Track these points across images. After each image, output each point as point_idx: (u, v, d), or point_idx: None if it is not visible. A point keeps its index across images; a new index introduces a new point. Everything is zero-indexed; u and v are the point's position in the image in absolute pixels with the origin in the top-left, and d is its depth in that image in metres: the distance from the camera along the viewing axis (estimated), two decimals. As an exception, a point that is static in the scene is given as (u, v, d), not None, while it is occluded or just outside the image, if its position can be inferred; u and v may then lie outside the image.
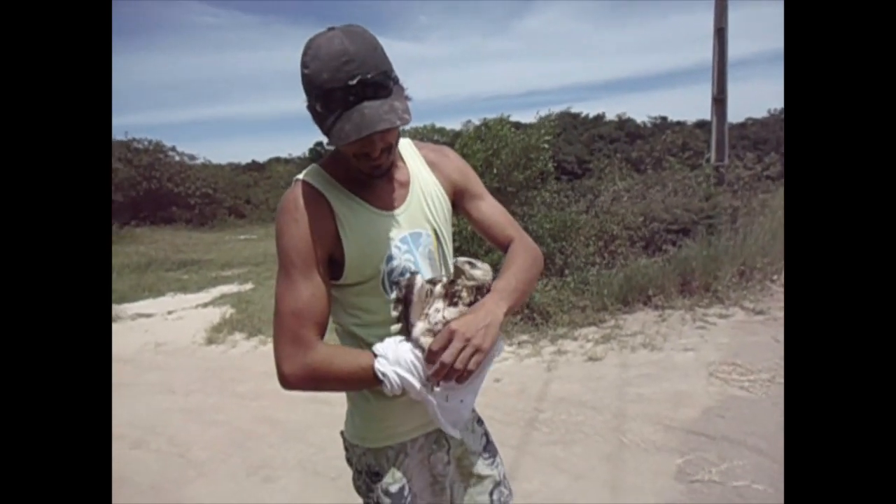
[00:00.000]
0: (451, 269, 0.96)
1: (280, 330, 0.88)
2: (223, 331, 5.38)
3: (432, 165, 1.05)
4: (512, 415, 2.96)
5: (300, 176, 0.95)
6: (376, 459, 1.01)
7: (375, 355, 0.87)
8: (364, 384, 0.90)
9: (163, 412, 3.59)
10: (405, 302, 0.90)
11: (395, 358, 0.86)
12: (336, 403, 3.21)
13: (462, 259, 0.92)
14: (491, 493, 1.10)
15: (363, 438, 1.01)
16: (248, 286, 7.83)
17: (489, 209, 1.09)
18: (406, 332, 0.91)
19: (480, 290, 0.91)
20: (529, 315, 4.64)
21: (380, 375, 0.86)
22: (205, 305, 6.76)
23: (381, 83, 0.82)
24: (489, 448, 1.14)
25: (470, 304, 0.89)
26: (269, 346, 4.83)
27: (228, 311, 6.15)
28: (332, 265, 0.92)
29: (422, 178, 1.03)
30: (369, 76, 0.80)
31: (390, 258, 0.94)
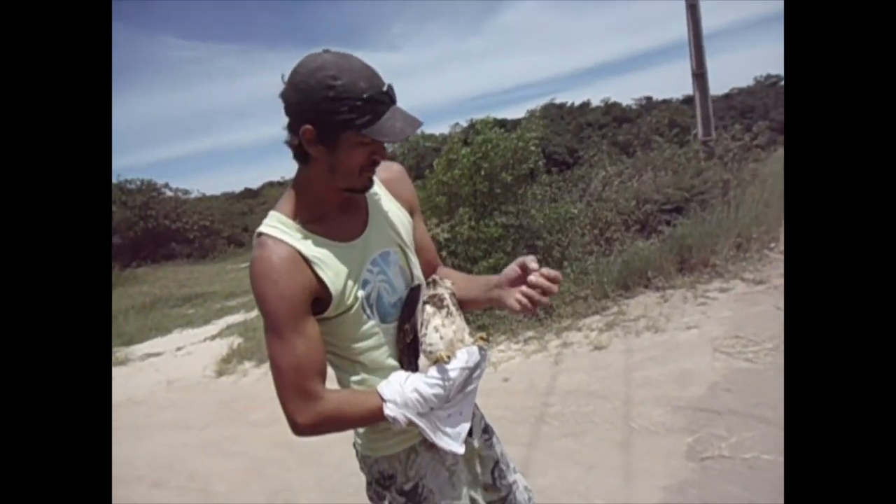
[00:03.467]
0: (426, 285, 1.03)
1: (284, 387, 0.91)
2: (232, 361, 5.41)
3: (386, 183, 1.08)
4: (522, 412, 2.99)
5: (262, 229, 0.95)
6: (389, 464, 1.04)
7: (384, 399, 0.92)
8: (375, 422, 0.96)
9: (180, 448, 3.62)
10: (411, 305, 0.99)
11: (404, 401, 0.91)
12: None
13: (431, 278, 1.01)
14: (492, 471, 1.17)
15: (374, 449, 1.05)
16: (254, 314, 7.86)
17: (424, 233, 1.16)
18: (412, 341, 0.98)
19: (455, 296, 0.99)
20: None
21: (390, 421, 0.91)
22: (212, 338, 6.80)
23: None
24: (487, 430, 1.20)
25: (456, 307, 0.98)
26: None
27: (236, 341, 6.19)
28: (317, 304, 0.94)
29: (378, 198, 1.06)
30: (390, 83, 0.89)
31: (366, 283, 0.97)
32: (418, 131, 0.95)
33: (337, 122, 0.86)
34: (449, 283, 0.99)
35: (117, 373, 5.96)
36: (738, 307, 3.92)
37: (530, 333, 4.33)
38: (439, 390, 0.91)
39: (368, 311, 0.98)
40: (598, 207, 6.39)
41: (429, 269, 1.14)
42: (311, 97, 0.85)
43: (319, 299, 0.94)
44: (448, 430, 0.95)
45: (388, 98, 0.88)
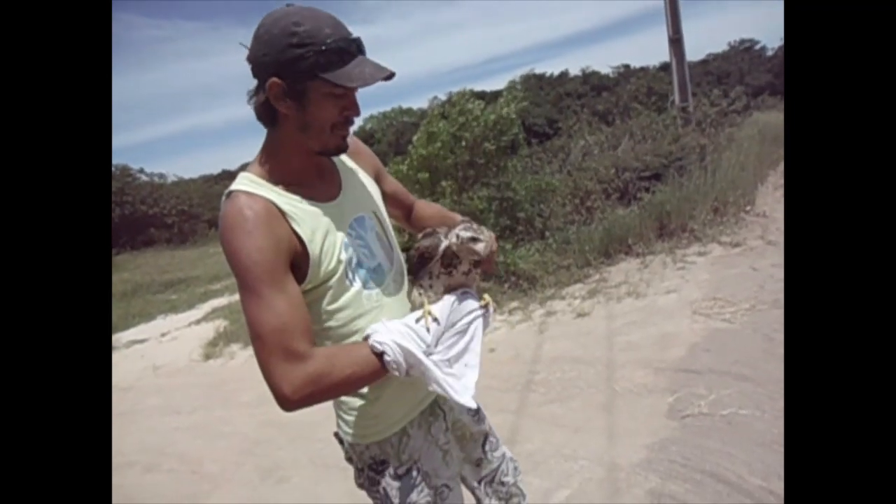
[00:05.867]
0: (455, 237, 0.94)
1: (267, 352, 0.79)
2: (219, 344, 5.39)
3: (350, 155, 1.06)
4: (509, 381, 3.04)
5: (234, 187, 0.87)
6: (381, 449, 1.00)
7: (369, 336, 0.85)
8: (369, 377, 0.85)
9: (170, 433, 3.63)
10: (425, 259, 0.94)
11: (388, 329, 0.85)
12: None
13: (466, 234, 0.92)
14: (483, 445, 1.18)
15: (364, 436, 1.00)
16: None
17: (394, 182, 1.21)
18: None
19: (478, 264, 0.94)
20: (517, 282, 4.71)
21: (378, 347, 0.82)
22: (197, 322, 6.74)
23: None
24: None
25: (466, 273, 0.93)
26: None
27: (222, 324, 6.15)
28: (295, 271, 0.87)
29: (347, 165, 1.04)
30: (359, 36, 0.86)
31: (347, 246, 0.92)
32: (398, 106, 0.90)
33: (302, 69, 0.81)
34: (482, 244, 0.92)
35: (101, 361, 5.90)
36: (715, 270, 4.02)
37: (515, 304, 4.39)
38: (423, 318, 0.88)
39: (350, 277, 0.93)
40: (578, 177, 6.42)
41: (408, 208, 1.22)
42: (274, 47, 0.81)
43: (296, 265, 0.86)
44: (454, 373, 0.87)
45: (355, 47, 0.85)
